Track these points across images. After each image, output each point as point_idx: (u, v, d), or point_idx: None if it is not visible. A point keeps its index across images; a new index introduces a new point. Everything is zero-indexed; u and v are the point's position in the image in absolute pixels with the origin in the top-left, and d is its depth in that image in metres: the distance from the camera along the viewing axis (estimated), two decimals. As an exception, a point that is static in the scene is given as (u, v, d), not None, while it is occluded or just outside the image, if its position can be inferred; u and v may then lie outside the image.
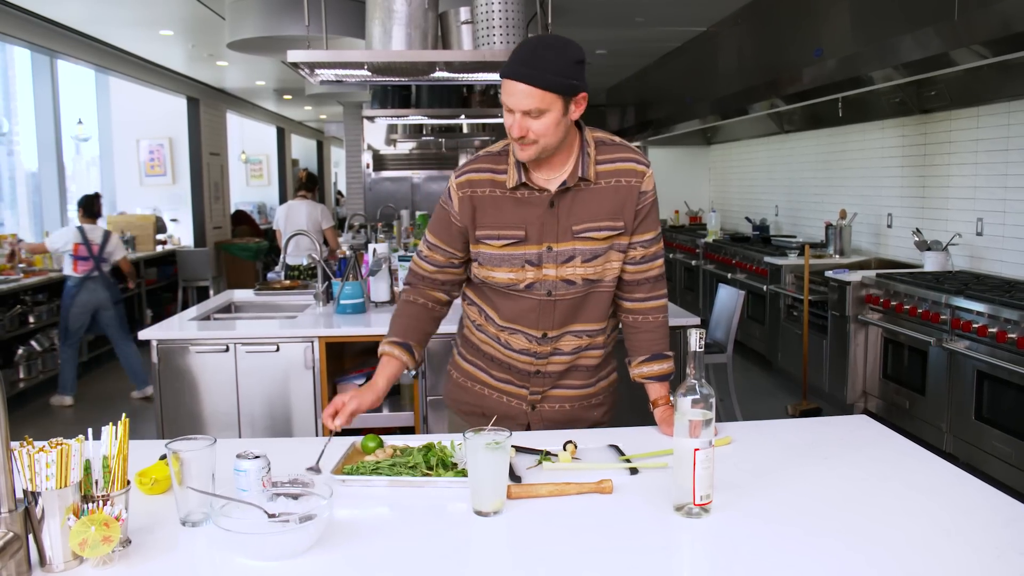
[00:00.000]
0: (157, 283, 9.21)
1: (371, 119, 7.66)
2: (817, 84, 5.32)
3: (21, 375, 6.18)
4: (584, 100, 1.89)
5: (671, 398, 2.02)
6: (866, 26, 4.73)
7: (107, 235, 6.16)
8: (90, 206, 6.27)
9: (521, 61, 1.83)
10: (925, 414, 4.60)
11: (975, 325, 4.13)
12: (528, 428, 2.13)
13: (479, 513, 1.54)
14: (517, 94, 1.81)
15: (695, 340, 1.48)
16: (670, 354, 2.10)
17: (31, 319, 6.35)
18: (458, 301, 2.21)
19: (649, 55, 8.76)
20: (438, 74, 4.23)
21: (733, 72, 6.83)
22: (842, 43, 4.99)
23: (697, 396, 1.48)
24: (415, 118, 7.36)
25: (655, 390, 2.07)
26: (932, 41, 4.05)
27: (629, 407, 2.31)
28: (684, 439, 1.48)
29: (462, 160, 11.43)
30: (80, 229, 6.06)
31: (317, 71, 4.18)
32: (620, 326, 2.16)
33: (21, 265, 6.57)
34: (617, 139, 2.03)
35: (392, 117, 7.36)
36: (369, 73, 4.18)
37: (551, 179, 1.96)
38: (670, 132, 9.31)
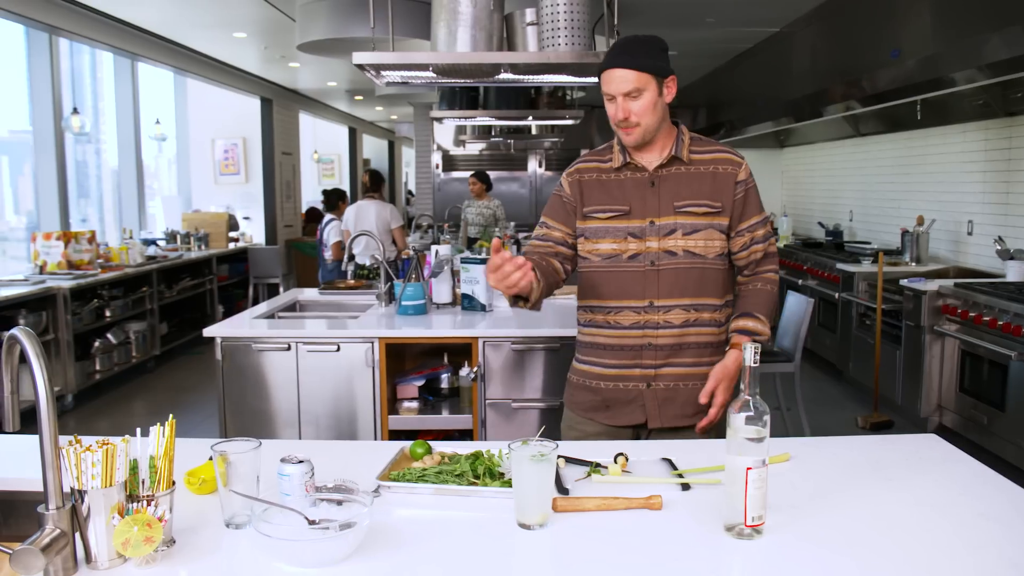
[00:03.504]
0: (229, 280, 9.42)
1: (439, 120, 7.69)
2: (895, 86, 5.15)
3: (97, 367, 6.37)
4: (674, 83, 2.15)
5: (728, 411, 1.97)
6: (947, 25, 4.55)
7: (324, 223, 7.48)
8: (326, 199, 7.66)
9: (614, 54, 2.12)
10: (1005, 431, 4.40)
11: (1060, 339, 3.93)
12: (644, 413, 2.21)
13: (523, 526, 1.50)
14: (616, 80, 2.09)
15: (749, 354, 1.42)
16: (760, 316, 2.19)
17: (107, 313, 6.55)
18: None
19: (721, 56, 8.62)
20: (503, 76, 4.21)
21: (807, 73, 6.65)
22: (922, 43, 4.82)
23: (751, 413, 1.42)
24: (483, 119, 7.36)
25: (735, 340, 2.17)
26: (1019, 40, 3.87)
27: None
28: (736, 457, 1.42)
29: (531, 161, 11.48)
30: None
31: (383, 72, 4.19)
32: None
33: (99, 260, 6.77)
34: (712, 140, 2.29)
35: (460, 118, 7.37)
36: (434, 75, 4.19)
37: (651, 161, 2.20)
38: (742, 134, 9.13)
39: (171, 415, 1.53)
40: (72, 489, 1.37)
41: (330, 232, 7.42)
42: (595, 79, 4.17)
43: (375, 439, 3.68)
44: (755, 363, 1.42)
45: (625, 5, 5.69)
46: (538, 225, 2.36)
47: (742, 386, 1.44)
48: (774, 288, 2.27)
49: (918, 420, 5.16)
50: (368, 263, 5.08)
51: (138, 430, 1.51)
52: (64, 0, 6.09)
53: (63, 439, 1.39)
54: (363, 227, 6.39)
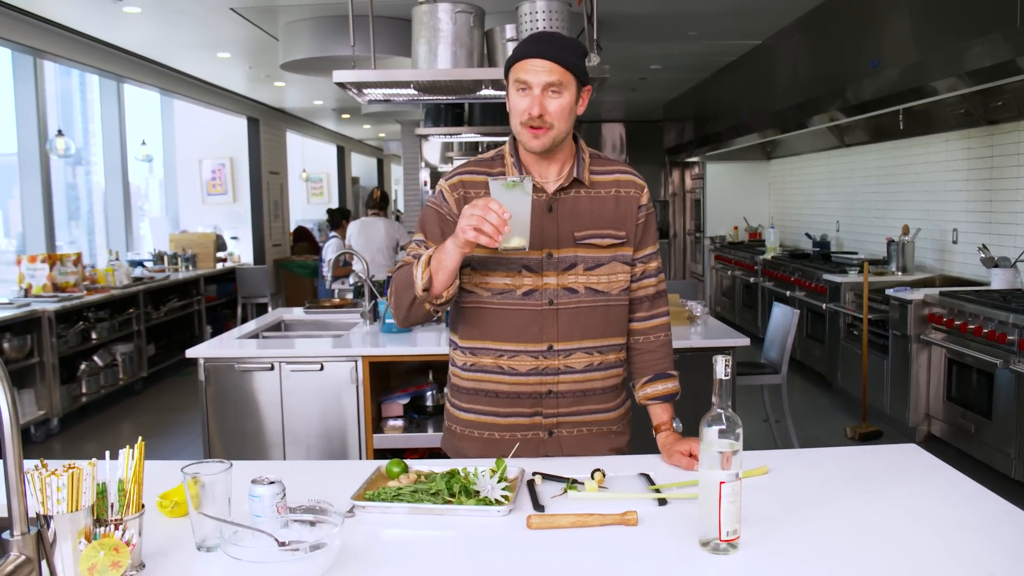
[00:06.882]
0: (217, 300, 9.38)
1: (425, 137, 7.70)
2: (878, 95, 5.18)
3: (84, 389, 6.32)
4: (587, 95, 1.92)
5: (699, 427, 1.94)
6: (929, 34, 4.59)
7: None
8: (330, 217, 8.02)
9: (537, 42, 1.85)
10: (992, 439, 4.40)
11: (1044, 346, 3.94)
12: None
13: (505, 251, 1.72)
14: (537, 69, 1.82)
15: (721, 367, 1.41)
16: (674, 373, 2.06)
17: (94, 335, 6.51)
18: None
19: (705, 69, 8.66)
20: (484, 92, 4.22)
21: (791, 85, 6.69)
22: (903, 52, 4.85)
23: (724, 426, 1.41)
24: (468, 136, 7.37)
25: (657, 414, 2.01)
26: (998, 48, 3.90)
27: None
28: (709, 471, 1.40)
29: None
30: None
31: (365, 90, 4.20)
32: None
33: (85, 283, 6.74)
34: (611, 156, 2.08)
35: (445, 135, 7.37)
36: (415, 92, 4.19)
37: (548, 181, 1.94)
38: (729, 146, 9.17)
39: (140, 438, 1.51)
40: (37, 515, 1.35)
41: (328, 249, 7.56)
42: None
43: (360, 458, 3.66)
44: (726, 376, 1.41)
45: (605, 20, 5.73)
46: (412, 242, 1.99)
47: (714, 400, 1.42)
48: (670, 335, 2.09)
49: (907, 430, 5.15)
50: (352, 281, 5.06)
51: (107, 453, 1.50)
52: (49, 23, 6.10)
53: (28, 463, 1.37)
54: (373, 243, 6.46)
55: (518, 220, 1.68)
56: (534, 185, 1.90)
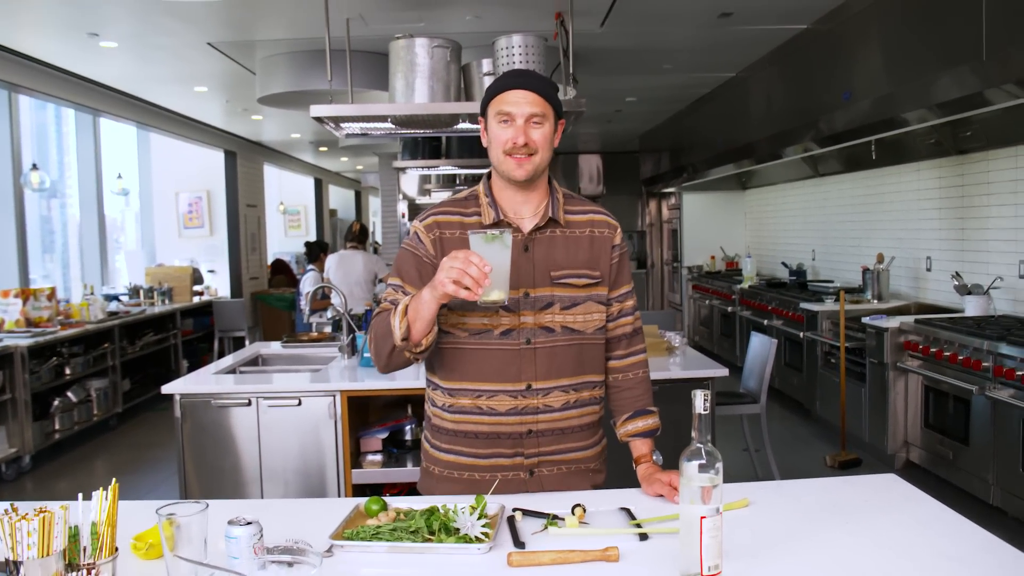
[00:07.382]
0: (194, 334, 9.30)
1: (403, 170, 7.71)
2: (850, 127, 5.26)
3: (57, 426, 6.23)
4: (561, 128, 1.98)
5: (678, 462, 1.93)
6: (898, 67, 4.67)
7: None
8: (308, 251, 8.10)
9: (516, 76, 1.92)
10: (970, 465, 4.43)
11: (1019, 372, 3.98)
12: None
13: (483, 303, 1.71)
14: (520, 100, 1.88)
15: (700, 402, 1.41)
16: (654, 409, 2.07)
17: (67, 371, 6.42)
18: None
19: (681, 101, 8.76)
20: (462, 125, 4.25)
21: (765, 116, 6.78)
22: (875, 84, 4.93)
23: (703, 460, 1.40)
24: (445, 168, 7.40)
25: (638, 446, 2.03)
26: (966, 80, 3.98)
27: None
28: (690, 506, 1.40)
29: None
30: None
31: (342, 124, 4.22)
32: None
33: (59, 317, 6.66)
34: (587, 189, 2.09)
35: (423, 168, 7.40)
36: (393, 126, 4.21)
37: (524, 220, 1.97)
38: (705, 177, 9.26)
39: (114, 479, 1.49)
40: (7, 560, 1.32)
41: (305, 282, 7.50)
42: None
43: (339, 493, 3.62)
44: (705, 410, 1.41)
45: (581, 54, 5.80)
46: (389, 287, 2.00)
47: (693, 434, 1.42)
48: (648, 371, 2.10)
49: (885, 457, 5.17)
50: (330, 315, 5.04)
51: (79, 495, 1.47)
52: (25, 58, 6.07)
53: (-2, 508, 1.35)
54: (352, 276, 6.43)
55: (498, 273, 1.69)
56: (510, 224, 1.94)
